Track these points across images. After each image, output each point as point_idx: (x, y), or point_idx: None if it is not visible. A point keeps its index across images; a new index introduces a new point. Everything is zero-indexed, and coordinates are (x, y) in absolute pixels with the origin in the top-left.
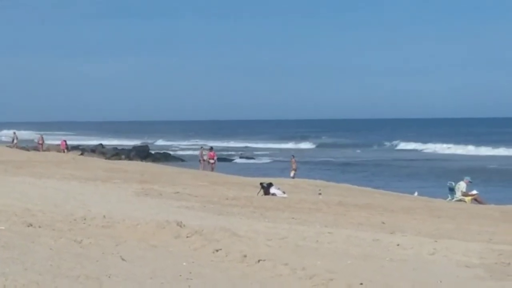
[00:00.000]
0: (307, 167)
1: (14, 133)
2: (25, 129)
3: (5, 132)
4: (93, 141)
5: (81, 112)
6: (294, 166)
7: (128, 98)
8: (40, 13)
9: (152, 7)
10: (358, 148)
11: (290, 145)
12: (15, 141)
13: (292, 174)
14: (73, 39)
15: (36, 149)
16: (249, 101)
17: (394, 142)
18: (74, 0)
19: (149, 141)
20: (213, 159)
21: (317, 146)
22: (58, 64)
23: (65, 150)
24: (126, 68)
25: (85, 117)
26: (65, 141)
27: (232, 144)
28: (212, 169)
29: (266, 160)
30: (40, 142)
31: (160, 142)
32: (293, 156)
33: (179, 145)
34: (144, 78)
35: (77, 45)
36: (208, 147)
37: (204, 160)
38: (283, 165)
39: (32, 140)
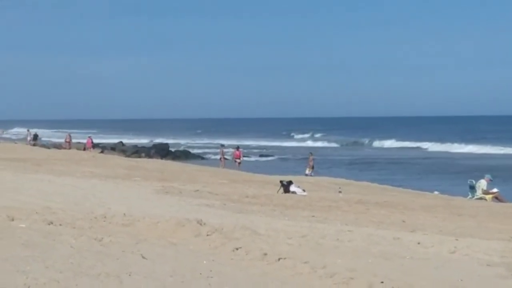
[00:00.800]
0: (322, 165)
1: (28, 130)
2: (38, 127)
3: (16, 130)
4: (113, 139)
5: (90, 110)
6: (311, 163)
7: (134, 96)
8: (42, 12)
9: (160, 5)
10: (367, 145)
11: (307, 143)
12: (28, 138)
13: (307, 171)
14: (83, 37)
15: (58, 147)
16: (252, 99)
17: (408, 141)
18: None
19: (166, 140)
20: (239, 158)
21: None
22: (71, 62)
23: (91, 148)
24: (132, 67)
25: (93, 116)
26: (91, 138)
27: (246, 142)
28: (239, 168)
29: (284, 156)
30: (68, 140)
31: (171, 140)
32: (311, 154)
33: (195, 143)
34: (150, 77)
35: (88, 43)
36: (235, 146)
37: (225, 159)
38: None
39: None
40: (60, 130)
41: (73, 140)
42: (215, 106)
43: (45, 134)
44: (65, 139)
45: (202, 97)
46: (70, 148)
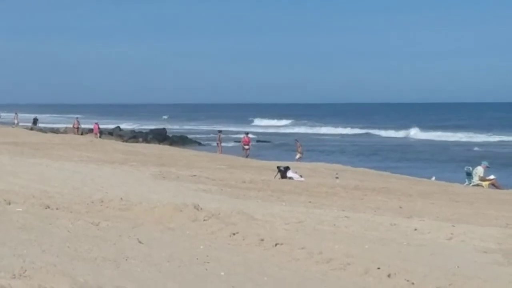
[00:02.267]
0: (317, 151)
1: (16, 113)
2: (27, 111)
3: (4, 115)
4: (110, 124)
5: (85, 94)
6: (299, 149)
7: (129, 81)
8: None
9: None
10: (370, 133)
11: (305, 129)
12: (16, 121)
13: (297, 157)
14: (82, 22)
15: (55, 132)
16: (248, 84)
17: (409, 128)
18: None
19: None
20: (248, 144)
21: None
22: (64, 46)
23: (98, 134)
24: (129, 52)
25: (86, 100)
26: (97, 124)
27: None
28: (247, 156)
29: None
30: (76, 126)
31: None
32: (297, 140)
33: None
34: (119, 63)
35: (85, 27)
36: (244, 132)
37: (220, 144)
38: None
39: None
40: (54, 115)
41: (69, 126)
42: (185, 92)
43: (43, 119)
44: (73, 124)
45: (215, 81)
46: (78, 134)
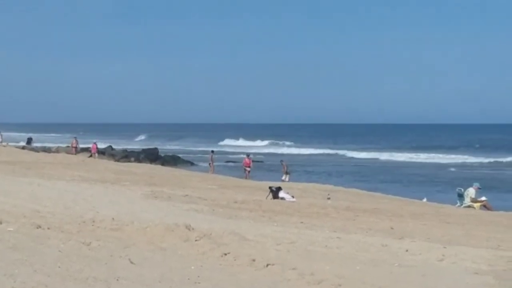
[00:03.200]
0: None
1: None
2: (18, 131)
3: None
4: (102, 144)
5: (76, 114)
6: (285, 169)
7: (122, 100)
8: (26, 12)
9: (163, 8)
10: (353, 153)
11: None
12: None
13: (284, 177)
14: (75, 39)
15: (47, 151)
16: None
17: (393, 150)
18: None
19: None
20: (249, 166)
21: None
22: (57, 64)
23: (96, 154)
24: (120, 70)
25: (78, 119)
26: (96, 144)
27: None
28: (247, 177)
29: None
30: (74, 145)
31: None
32: (283, 161)
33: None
34: (140, 80)
35: (79, 45)
36: (246, 154)
37: (212, 164)
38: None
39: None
40: (45, 134)
41: (63, 145)
42: (157, 111)
43: (19, 138)
44: (72, 143)
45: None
46: (76, 154)
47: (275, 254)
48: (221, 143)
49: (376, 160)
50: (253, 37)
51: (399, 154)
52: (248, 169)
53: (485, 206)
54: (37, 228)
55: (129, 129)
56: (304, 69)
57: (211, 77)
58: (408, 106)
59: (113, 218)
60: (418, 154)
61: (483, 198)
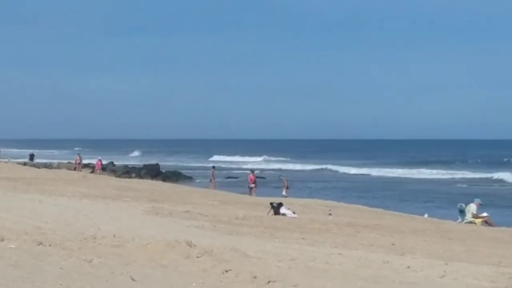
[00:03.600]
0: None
1: None
2: (16, 147)
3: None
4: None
5: (73, 130)
6: (285, 184)
7: (114, 115)
8: (25, 29)
9: (167, 23)
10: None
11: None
12: None
13: (284, 192)
14: (75, 55)
15: (48, 167)
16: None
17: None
18: (81, 18)
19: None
20: (254, 182)
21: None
22: (55, 80)
23: (100, 170)
24: (117, 86)
25: (73, 135)
26: (100, 160)
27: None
28: (251, 194)
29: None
30: (78, 162)
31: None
32: (281, 176)
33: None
34: (140, 96)
35: (81, 61)
36: (250, 170)
37: (214, 180)
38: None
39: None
40: (46, 150)
41: (64, 161)
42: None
43: (18, 154)
44: (75, 160)
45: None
46: (80, 170)
47: (276, 270)
48: (211, 159)
49: (368, 176)
50: (243, 55)
51: (393, 170)
52: (252, 185)
53: (486, 222)
54: (38, 245)
55: (123, 145)
56: (293, 87)
57: (199, 93)
58: (399, 121)
59: (114, 235)
60: (416, 169)
61: (485, 214)
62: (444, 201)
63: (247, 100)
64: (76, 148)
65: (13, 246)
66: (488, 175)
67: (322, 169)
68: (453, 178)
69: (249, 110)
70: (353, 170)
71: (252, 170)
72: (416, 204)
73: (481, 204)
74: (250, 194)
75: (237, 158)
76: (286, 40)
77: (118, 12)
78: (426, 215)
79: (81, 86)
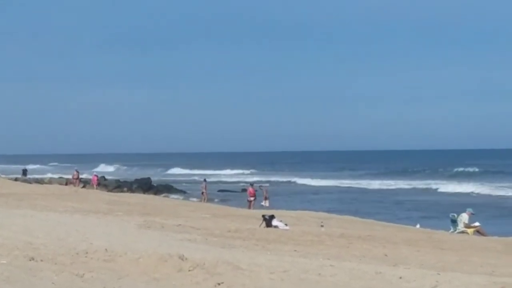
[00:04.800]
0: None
1: None
2: (13, 163)
3: None
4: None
5: (59, 144)
6: (265, 194)
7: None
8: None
9: (167, 37)
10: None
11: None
12: None
13: (263, 202)
14: (70, 69)
15: (40, 182)
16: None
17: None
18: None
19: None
20: (253, 196)
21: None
22: (48, 94)
23: (96, 185)
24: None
25: (59, 150)
26: (96, 176)
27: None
28: (250, 207)
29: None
30: (75, 177)
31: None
32: (262, 186)
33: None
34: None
35: (69, 75)
36: (249, 183)
37: (205, 193)
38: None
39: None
40: (40, 165)
41: (55, 176)
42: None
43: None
44: (73, 175)
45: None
46: (78, 185)
47: (268, 283)
48: (171, 171)
49: (355, 188)
50: (227, 67)
51: (378, 182)
52: (251, 198)
53: (478, 232)
54: (30, 260)
55: (103, 159)
56: (279, 98)
57: (170, 107)
58: (387, 133)
59: (106, 249)
60: (403, 180)
61: (477, 224)
62: (438, 211)
63: (234, 112)
64: (50, 164)
65: (5, 261)
66: (480, 184)
67: (288, 182)
68: (454, 188)
69: (234, 122)
70: (321, 182)
71: (251, 183)
72: (410, 214)
73: (473, 214)
74: (249, 207)
75: (197, 171)
76: (259, 52)
77: (88, 28)
78: (418, 226)
79: (57, 100)
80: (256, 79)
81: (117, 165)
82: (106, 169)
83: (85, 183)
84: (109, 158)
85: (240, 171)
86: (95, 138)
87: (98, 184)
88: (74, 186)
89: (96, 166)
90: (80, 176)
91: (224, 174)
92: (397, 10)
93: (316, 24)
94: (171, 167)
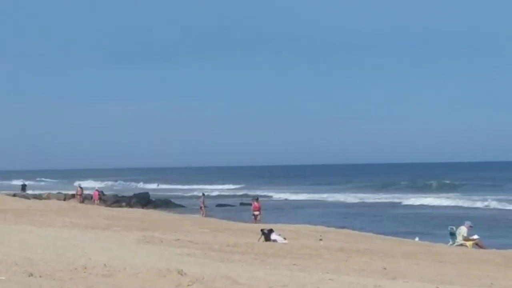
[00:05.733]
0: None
1: None
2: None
3: None
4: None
5: (58, 159)
6: (257, 206)
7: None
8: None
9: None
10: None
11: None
12: None
13: (255, 215)
14: (65, 85)
15: (38, 198)
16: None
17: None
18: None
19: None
20: (258, 210)
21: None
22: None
23: (98, 201)
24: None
25: (60, 165)
26: (98, 191)
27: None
28: (256, 221)
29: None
30: (79, 193)
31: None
32: (253, 199)
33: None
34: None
35: (67, 90)
36: (254, 197)
37: (204, 207)
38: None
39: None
40: (34, 181)
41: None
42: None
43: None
44: (76, 191)
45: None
46: (82, 202)
47: None
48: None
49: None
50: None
51: (369, 195)
52: (256, 213)
53: (477, 245)
54: (29, 276)
55: (96, 174)
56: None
57: (160, 122)
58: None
59: (105, 264)
60: (399, 194)
61: (475, 236)
62: (437, 225)
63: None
64: (37, 179)
65: (4, 277)
66: (476, 197)
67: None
68: (454, 202)
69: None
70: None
71: (257, 198)
72: (410, 227)
73: (471, 227)
74: (255, 221)
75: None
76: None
77: (74, 43)
78: (417, 239)
79: (44, 116)
80: (237, 94)
81: (105, 180)
82: (92, 184)
83: (85, 198)
84: (96, 173)
85: (225, 186)
86: (78, 154)
87: (100, 199)
88: (78, 202)
89: (85, 180)
90: (85, 192)
91: (216, 189)
92: (387, 21)
93: (305, 37)
94: (150, 182)
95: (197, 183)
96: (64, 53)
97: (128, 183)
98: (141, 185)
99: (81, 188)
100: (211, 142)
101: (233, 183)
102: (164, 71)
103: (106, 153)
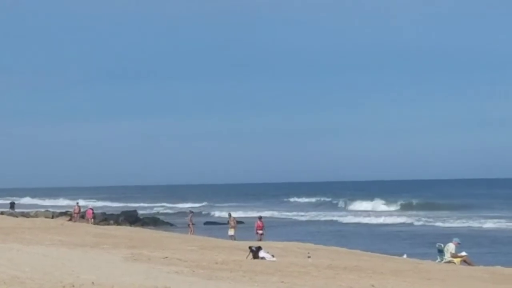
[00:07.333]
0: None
1: None
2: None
3: None
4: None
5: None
6: (233, 224)
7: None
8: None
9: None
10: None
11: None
12: None
13: (231, 232)
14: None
15: (26, 216)
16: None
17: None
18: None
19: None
20: (261, 229)
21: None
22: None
23: (92, 219)
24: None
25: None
26: (92, 209)
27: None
28: (260, 240)
29: None
30: (76, 211)
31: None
32: (230, 215)
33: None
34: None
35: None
36: (258, 216)
37: (192, 225)
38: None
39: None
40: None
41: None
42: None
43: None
44: (74, 210)
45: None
46: (76, 221)
47: None
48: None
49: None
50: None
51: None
52: (260, 231)
53: (465, 261)
54: None
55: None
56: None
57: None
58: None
59: (93, 282)
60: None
61: (463, 253)
62: (425, 242)
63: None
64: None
65: None
66: (466, 214)
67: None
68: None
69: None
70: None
71: (260, 217)
72: (398, 244)
73: (459, 244)
74: (259, 240)
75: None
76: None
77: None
78: (405, 256)
79: (17, 134)
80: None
81: (93, 198)
82: (81, 203)
83: (81, 217)
84: (85, 191)
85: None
86: (65, 172)
87: (94, 218)
88: (74, 220)
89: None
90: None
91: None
92: (380, 41)
93: (301, 56)
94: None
95: (185, 201)
96: (53, 72)
97: (115, 202)
98: (129, 203)
99: (79, 206)
100: (195, 160)
101: (194, 201)
102: (144, 89)
103: (96, 170)
